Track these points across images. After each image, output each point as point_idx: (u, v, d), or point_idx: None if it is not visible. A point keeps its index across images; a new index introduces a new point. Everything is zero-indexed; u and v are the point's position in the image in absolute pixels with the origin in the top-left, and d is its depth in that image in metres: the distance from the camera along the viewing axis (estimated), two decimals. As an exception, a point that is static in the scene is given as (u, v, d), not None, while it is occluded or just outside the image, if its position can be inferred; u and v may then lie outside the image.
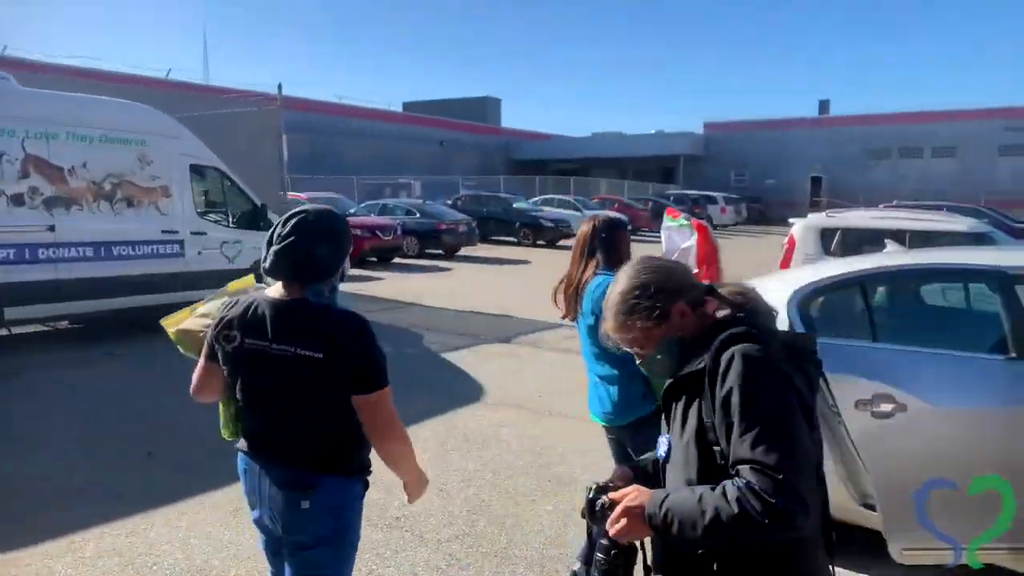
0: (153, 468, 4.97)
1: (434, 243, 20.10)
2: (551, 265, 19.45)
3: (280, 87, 13.47)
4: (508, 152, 51.14)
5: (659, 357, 1.68)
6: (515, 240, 24.36)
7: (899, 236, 8.69)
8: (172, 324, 2.49)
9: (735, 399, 1.46)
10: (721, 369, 1.51)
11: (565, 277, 3.29)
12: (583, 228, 3.25)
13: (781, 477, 1.36)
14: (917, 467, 3.00)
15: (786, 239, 9.70)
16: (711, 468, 1.51)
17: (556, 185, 38.97)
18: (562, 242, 25.07)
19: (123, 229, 8.80)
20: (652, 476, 1.78)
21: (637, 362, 1.75)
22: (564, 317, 3.35)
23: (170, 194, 9.31)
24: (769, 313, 1.69)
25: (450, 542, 3.97)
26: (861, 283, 3.28)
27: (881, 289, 3.64)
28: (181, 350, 2.52)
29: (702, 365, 1.55)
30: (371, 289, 13.87)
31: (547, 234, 24.48)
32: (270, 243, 2.05)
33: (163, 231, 9.21)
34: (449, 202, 25.36)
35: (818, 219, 9.79)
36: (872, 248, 8.65)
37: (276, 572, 2.29)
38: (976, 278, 3.42)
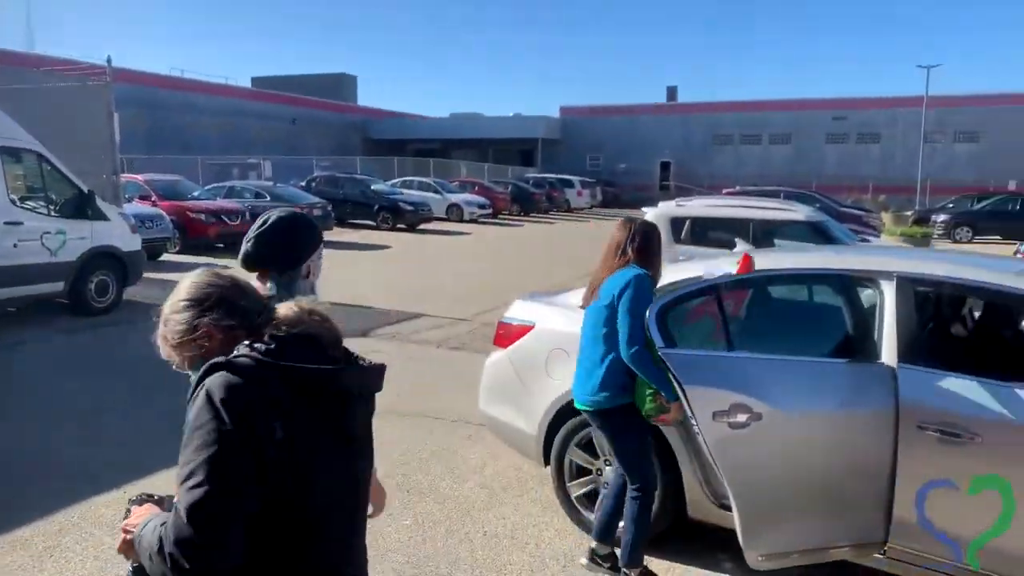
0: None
1: (287, 228, 19.17)
2: (412, 250, 19.13)
3: (109, 59, 12.31)
4: (365, 131, 49.91)
5: (192, 377, 1.60)
6: (374, 224, 23.74)
7: (743, 225, 9.14)
8: None
9: (186, 433, 1.45)
10: (194, 400, 1.48)
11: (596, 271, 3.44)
12: (618, 233, 3.39)
13: (184, 521, 1.36)
14: (773, 475, 3.04)
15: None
16: None
17: (415, 167, 38.46)
18: (423, 226, 24.77)
19: (-82, 220, 7.73)
20: None
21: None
22: (582, 306, 3.48)
23: (-24, 180, 8.27)
24: (316, 340, 1.57)
25: (301, 569, 3.70)
26: (716, 290, 3.29)
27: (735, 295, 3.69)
28: None
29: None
30: (218, 279, 13.02)
31: (407, 218, 24.06)
32: (247, 239, 2.34)
33: (-32, 221, 8.18)
34: (302, 184, 24.37)
35: (668, 208, 10.09)
36: (719, 235, 9.04)
37: None
38: (822, 281, 3.52)
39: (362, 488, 1.69)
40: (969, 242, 23.66)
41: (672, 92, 53.43)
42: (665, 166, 49.24)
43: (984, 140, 43.15)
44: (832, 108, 45.96)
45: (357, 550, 1.70)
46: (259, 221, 2.35)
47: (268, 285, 2.28)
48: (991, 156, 41.94)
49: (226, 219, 17.08)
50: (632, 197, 41.36)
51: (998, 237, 23.68)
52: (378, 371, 1.66)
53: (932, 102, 38.49)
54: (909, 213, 28.02)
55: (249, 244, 2.33)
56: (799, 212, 9.90)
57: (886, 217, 25.21)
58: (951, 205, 27.63)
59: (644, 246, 3.31)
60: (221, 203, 18.12)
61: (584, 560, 3.63)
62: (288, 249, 2.33)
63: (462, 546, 3.92)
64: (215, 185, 21.58)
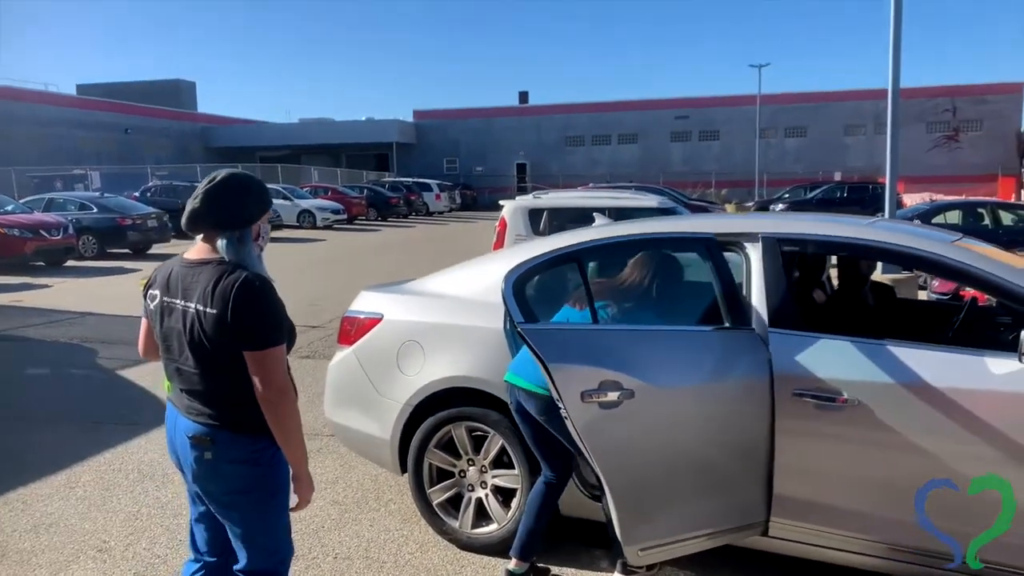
0: None
1: (118, 241, 17.59)
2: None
3: None
4: (207, 139, 47.24)
5: None
6: (218, 234, 22.25)
7: (600, 213, 9.08)
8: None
9: None
10: None
11: None
12: None
13: None
14: (649, 457, 2.74)
15: (498, 221, 9.70)
16: None
17: (264, 173, 36.70)
18: (273, 234, 23.45)
19: None
20: None
21: None
22: None
23: None
24: None
25: (107, 623, 3.07)
26: (576, 258, 2.96)
27: (596, 264, 3.39)
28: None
29: None
30: (34, 299, 11.62)
31: (254, 226, 22.74)
32: (193, 196, 2.19)
33: None
34: (136, 194, 22.53)
35: (526, 201, 9.94)
36: (576, 226, 8.89)
37: (195, 517, 2.39)
38: (687, 246, 3.29)
39: None
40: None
41: (524, 96, 53.98)
42: (521, 167, 49.76)
43: (810, 134, 46.39)
44: (675, 107, 48.00)
45: None
46: (206, 180, 2.23)
47: (220, 243, 2.16)
48: (816, 149, 45.27)
49: (45, 233, 15.40)
50: (490, 199, 41.42)
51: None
52: None
53: (764, 100, 41.00)
54: (750, 204, 29.64)
55: (196, 201, 2.16)
56: (652, 200, 10.04)
57: (729, 208, 26.49)
58: (787, 195, 29.43)
59: None
60: (39, 216, 16.29)
61: None
62: (238, 207, 2.18)
63: (308, 574, 3.40)
64: (32, 198, 19.46)
